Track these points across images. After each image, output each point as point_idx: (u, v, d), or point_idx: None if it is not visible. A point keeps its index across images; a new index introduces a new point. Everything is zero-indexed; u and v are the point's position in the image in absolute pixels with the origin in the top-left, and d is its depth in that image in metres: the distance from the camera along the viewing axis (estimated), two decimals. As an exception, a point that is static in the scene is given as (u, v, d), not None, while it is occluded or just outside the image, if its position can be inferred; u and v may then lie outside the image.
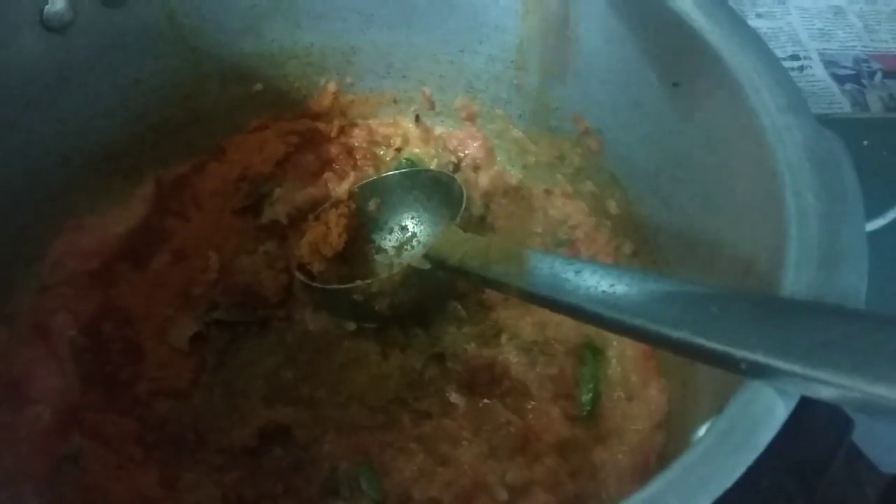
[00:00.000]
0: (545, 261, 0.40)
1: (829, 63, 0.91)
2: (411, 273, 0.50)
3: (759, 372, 0.29)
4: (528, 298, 0.42)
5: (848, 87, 0.88)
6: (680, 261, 0.49)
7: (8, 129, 0.48)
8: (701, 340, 0.31)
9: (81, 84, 0.50)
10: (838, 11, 0.99)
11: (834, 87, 0.87)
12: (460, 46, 0.58)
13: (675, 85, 0.46)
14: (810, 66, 0.88)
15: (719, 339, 0.30)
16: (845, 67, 0.90)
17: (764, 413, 0.29)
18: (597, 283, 0.37)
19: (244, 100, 0.60)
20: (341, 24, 0.57)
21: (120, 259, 0.55)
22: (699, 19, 0.44)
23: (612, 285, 0.36)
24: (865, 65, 0.90)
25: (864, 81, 0.88)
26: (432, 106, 0.63)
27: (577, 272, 0.38)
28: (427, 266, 0.49)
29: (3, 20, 0.45)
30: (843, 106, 0.84)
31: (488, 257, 0.44)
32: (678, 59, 0.45)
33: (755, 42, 0.42)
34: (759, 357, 0.29)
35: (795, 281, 0.33)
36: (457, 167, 0.62)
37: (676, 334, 0.32)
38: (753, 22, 0.91)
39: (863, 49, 0.92)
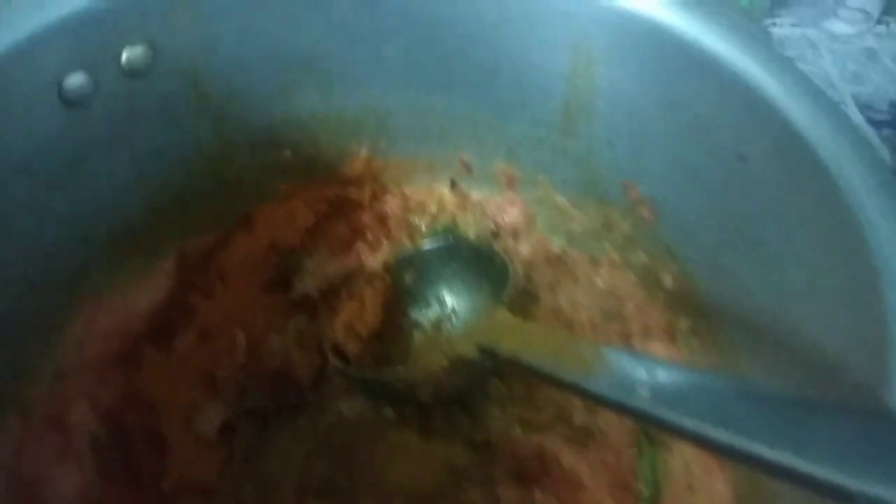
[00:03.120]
0: (614, 358, 0.37)
1: (864, 107, 0.88)
2: (457, 361, 0.47)
3: (879, 510, 0.25)
4: (589, 399, 0.39)
5: (885, 132, 0.85)
6: (747, 348, 0.46)
7: (25, 210, 0.45)
8: (807, 466, 0.27)
9: (102, 159, 0.47)
10: (871, 54, 0.96)
11: (871, 133, 0.84)
12: (501, 110, 0.54)
13: (741, 158, 0.43)
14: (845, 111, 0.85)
15: (831, 465, 0.26)
16: (881, 112, 0.88)
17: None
18: (674, 385, 0.33)
19: (272, 166, 0.56)
20: (375, 88, 0.54)
21: (142, 340, 0.52)
22: (770, 86, 0.40)
23: (693, 388, 0.33)
24: (902, 109, 0.87)
25: (902, 126, 0.85)
26: (469, 171, 0.59)
27: (650, 371, 0.35)
28: (476, 355, 0.45)
29: (19, 94, 0.42)
30: (881, 153, 0.81)
31: (546, 349, 0.41)
32: (745, 128, 0.42)
33: (837, 114, 0.39)
34: (883, 492, 0.25)
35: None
36: (495, 234, 0.59)
37: (773, 455, 0.28)
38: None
39: (898, 92, 0.90)
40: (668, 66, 0.45)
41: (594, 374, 0.37)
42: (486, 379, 0.52)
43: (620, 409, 0.35)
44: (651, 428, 0.44)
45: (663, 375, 0.34)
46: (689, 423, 0.31)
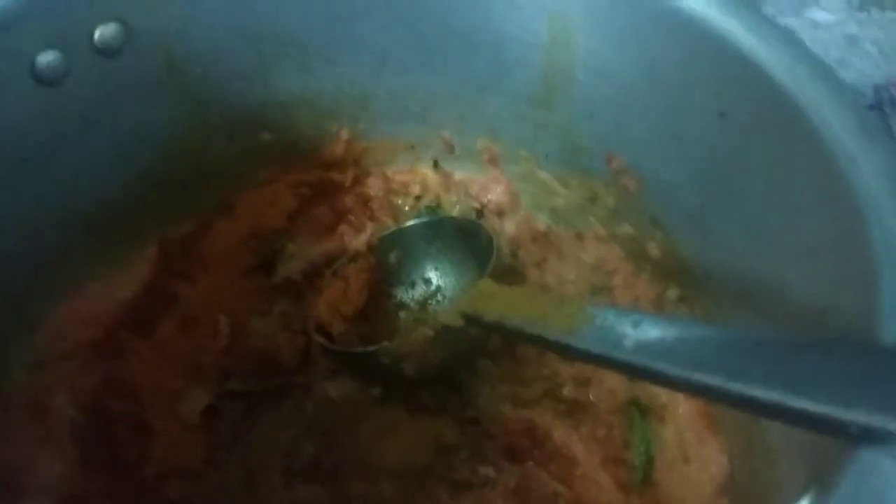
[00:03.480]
0: (599, 315, 0.36)
1: (849, 92, 0.88)
2: (443, 331, 0.46)
3: (876, 438, 0.25)
4: (575, 356, 0.38)
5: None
6: (735, 307, 0.45)
7: (5, 187, 0.44)
8: (800, 401, 0.26)
9: (77, 140, 0.47)
10: (853, 41, 0.96)
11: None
12: (480, 85, 0.54)
13: (721, 115, 0.42)
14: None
15: (824, 398, 0.25)
16: (866, 97, 0.88)
17: (888, 489, 0.24)
18: (660, 336, 0.33)
19: (252, 151, 0.56)
20: (353, 67, 0.54)
21: (124, 327, 0.51)
22: (748, 40, 0.40)
23: (679, 338, 0.32)
24: (886, 92, 0.87)
25: (887, 109, 0.85)
26: (451, 150, 0.59)
27: (636, 325, 0.34)
28: (461, 323, 0.45)
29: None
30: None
31: (531, 311, 0.40)
32: (724, 85, 0.42)
33: (812, 60, 0.38)
34: (877, 419, 0.24)
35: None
36: (480, 214, 0.58)
37: (767, 395, 0.27)
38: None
39: (881, 77, 0.89)
40: (646, 30, 0.45)
41: (579, 331, 0.36)
42: (474, 358, 0.52)
43: (606, 362, 0.35)
44: (641, 380, 0.42)
45: (650, 327, 0.33)
46: (678, 370, 0.31)
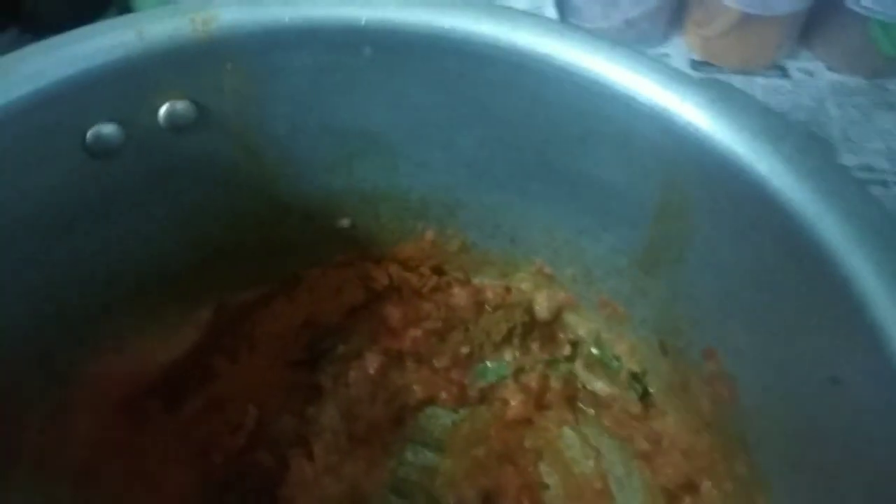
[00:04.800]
0: None
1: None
2: None
3: None
4: None
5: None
6: None
7: (46, 249, 0.43)
8: None
9: (131, 207, 0.45)
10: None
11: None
12: (580, 228, 0.46)
13: (834, 382, 0.33)
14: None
15: None
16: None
17: None
18: None
19: (328, 234, 0.52)
20: (445, 175, 0.48)
21: (152, 395, 0.49)
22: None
23: None
24: None
25: None
26: (551, 280, 0.52)
27: None
28: None
29: (39, 140, 0.39)
30: None
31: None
32: (842, 355, 0.32)
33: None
34: None
35: None
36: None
37: None
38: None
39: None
40: (764, 232, 0.36)
41: None
42: None
43: None
44: None
45: None
46: None
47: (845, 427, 0.33)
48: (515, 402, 0.53)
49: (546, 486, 0.51)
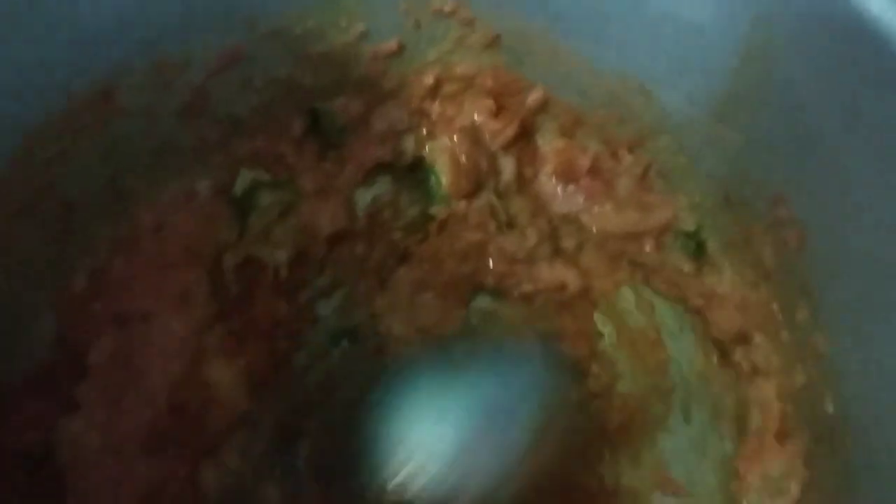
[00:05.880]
0: None
1: None
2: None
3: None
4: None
5: None
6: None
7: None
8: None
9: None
10: None
11: None
12: (658, 79, 0.46)
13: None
14: None
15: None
16: None
17: None
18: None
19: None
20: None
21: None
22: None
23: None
24: None
25: None
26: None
27: None
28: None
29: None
30: None
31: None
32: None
33: None
34: None
35: None
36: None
37: None
38: None
39: None
40: (855, 69, 0.36)
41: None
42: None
43: None
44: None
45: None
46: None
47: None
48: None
49: (601, 335, 0.53)
